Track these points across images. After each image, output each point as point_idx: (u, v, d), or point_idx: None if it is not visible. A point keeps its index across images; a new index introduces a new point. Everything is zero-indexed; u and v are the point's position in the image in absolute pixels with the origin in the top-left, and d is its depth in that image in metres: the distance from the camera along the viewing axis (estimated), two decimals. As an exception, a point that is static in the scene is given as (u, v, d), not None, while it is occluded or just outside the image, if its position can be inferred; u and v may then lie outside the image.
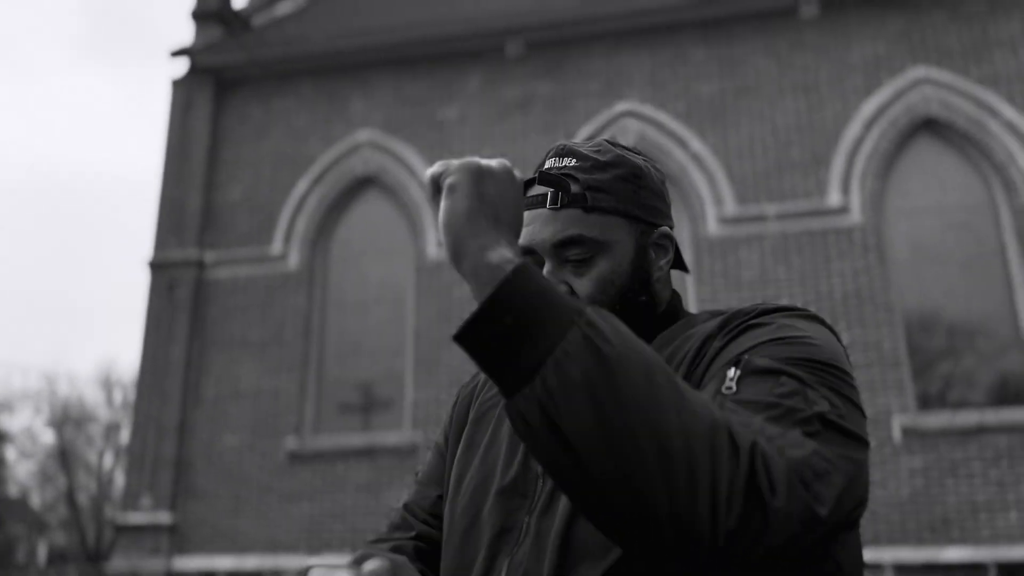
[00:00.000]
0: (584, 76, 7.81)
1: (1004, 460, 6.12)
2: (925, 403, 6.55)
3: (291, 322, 7.69)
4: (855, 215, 6.89)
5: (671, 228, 1.00)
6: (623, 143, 1.03)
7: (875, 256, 6.77)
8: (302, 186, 8.11)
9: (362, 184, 8.15)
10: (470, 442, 1.01)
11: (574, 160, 0.96)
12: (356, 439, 7.29)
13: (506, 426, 0.97)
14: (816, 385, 0.77)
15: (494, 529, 0.89)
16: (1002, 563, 5.87)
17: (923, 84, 7.08)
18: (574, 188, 0.94)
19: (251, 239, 8.06)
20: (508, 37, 7.99)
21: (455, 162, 0.79)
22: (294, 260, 7.90)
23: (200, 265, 7.96)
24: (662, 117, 7.51)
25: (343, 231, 8.17)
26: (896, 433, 6.27)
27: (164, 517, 7.18)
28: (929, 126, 7.10)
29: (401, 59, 8.26)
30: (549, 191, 0.94)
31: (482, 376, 1.09)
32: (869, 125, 7.08)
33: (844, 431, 0.75)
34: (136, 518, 7.24)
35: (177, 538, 7.18)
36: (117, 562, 7.22)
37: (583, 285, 0.93)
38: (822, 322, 0.88)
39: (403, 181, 7.91)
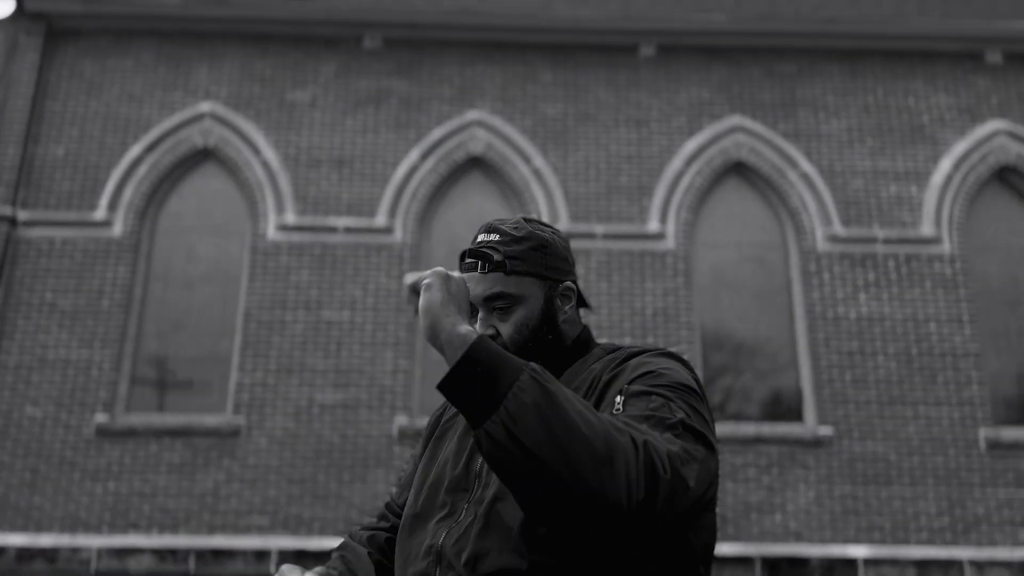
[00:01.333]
0: (439, 80, 8.07)
1: (775, 468, 7.04)
2: (713, 413, 7.39)
3: (110, 292, 7.34)
4: (670, 241, 7.64)
5: (574, 281, 1.38)
6: (537, 220, 1.39)
7: (683, 280, 7.54)
8: (134, 151, 7.75)
9: (200, 157, 7.92)
10: (432, 454, 1.37)
11: (497, 236, 1.33)
12: (172, 419, 7.09)
13: (455, 440, 1.32)
14: (676, 400, 1.14)
15: (442, 511, 1.23)
16: (766, 557, 6.76)
17: (737, 131, 7.97)
18: (496, 257, 1.30)
19: (72, 201, 7.59)
20: (367, 29, 8.08)
21: (428, 272, 1.14)
22: (119, 228, 7.54)
23: (12, 222, 7.39)
24: (509, 131, 7.91)
25: (175, 203, 7.89)
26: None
27: (-55, 491, 6.62)
28: (738, 169, 7.99)
29: (255, 35, 8.12)
30: (478, 261, 1.31)
31: (446, 406, 1.44)
32: (689, 162, 7.87)
33: (696, 433, 1.11)
34: (-90, 491, 6.62)
35: (-42, 514, 6.64)
36: None
37: (505, 328, 1.29)
38: (678, 358, 1.26)
39: (245, 158, 7.79)
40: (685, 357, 1.36)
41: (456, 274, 1.16)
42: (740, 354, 7.67)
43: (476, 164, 7.96)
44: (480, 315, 1.31)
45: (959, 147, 7.88)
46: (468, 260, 1.33)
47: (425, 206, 7.75)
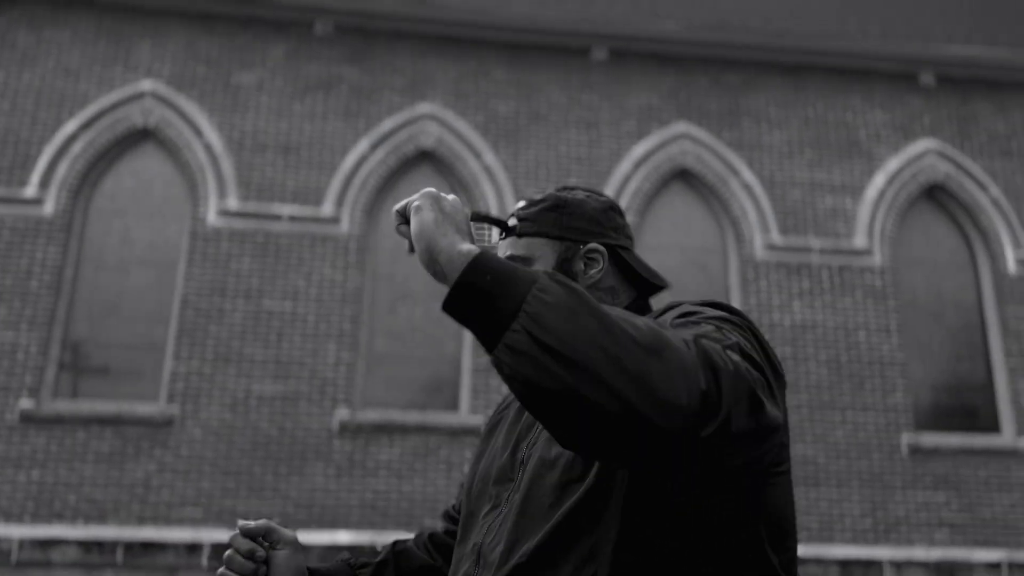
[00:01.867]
0: (391, 70, 7.99)
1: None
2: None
3: (39, 273, 7.04)
4: (617, 243, 7.74)
5: (611, 246, 1.23)
6: (581, 186, 1.35)
7: (629, 282, 7.65)
8: (69, 127, 7.44)
9: (139, 136, 7.66)
10: (483, 448, 1.27)
11: (522, 203, 1.26)
12: (102, 406, 6.84)
13: (505, 429, 1.22)
14: (730, 329, 0.95)
15: (490, 504, 1.13)
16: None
17: (684, 139, 8.13)
18: (510, 223, 1.23)
19: (1, 177, 7.24)
20: (318, 15, 7.94)
21: (415, 194, 1.03)
22: (50, 207, 7.23)
23: (-68, 196, 7.01)
24: (461, 126, 7.89)
25: (111, 183, 7.61)
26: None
27: None
28: (683, 176, 8.16)
29: (201, 13, 7.89)
30: (502, 233, 1.26)
31: (505, 399, 1.32)
32: (637, 166, 7.99)
33: (755, 363, 0.89)
34: None
35: None
36: None
37: None
38: (727, 306, 1.07)
39: (187, 140, 7.56)
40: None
41: (450, 196, 1.00)
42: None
43: (426, 158, 7.91)
44: None
45: (892, 164, 8.21)
46: (495, 232, 1.29)
47: (373, 197, 7.67)
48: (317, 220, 7.49)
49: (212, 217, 7.37)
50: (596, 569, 0.94)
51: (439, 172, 7.95)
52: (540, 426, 1.10)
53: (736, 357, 0.84)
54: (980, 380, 7.87)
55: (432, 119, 7.89)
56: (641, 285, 1.27)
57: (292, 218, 7.47)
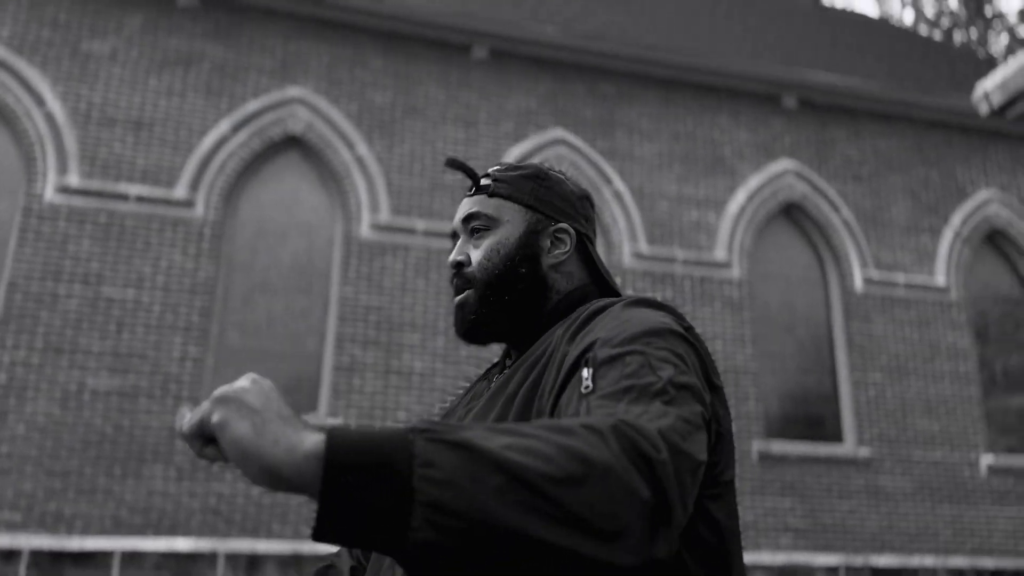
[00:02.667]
0: (260, 50, 7.57)
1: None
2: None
3: None
4: (489, 244, 7.65)
5: (580, 233, 1.17)
6: (557, 168, 1.25)
7: (499, 283, 7.57)
8: None
9: (-33, 100, 6.89)
10: None
11: (499, 167, 1.19)
12: (-95, 397, 6.06)
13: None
14: (656, 351, 0.87)
15: None
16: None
17: (559, 144, 8.16)
18: (484, 182, 1.17)
19: None
20: (183, -13, 7.43)
21: (204, 404, 0.75)
22: None
23: None
24: (333, 113, 7.58)
25: (-70, 149, 6.81)
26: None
27: None
28: (559, 180, 8.18)
29: (48, -28, 7.21)
30: (471, 188, 1.19)
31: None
32: (513, 168, 7.93)
33: (693, 389, 0.84)
34: None
35: None
36: None
37: (476, 252, 1.13)
38: (651, 303, 1.01)
39: (26, 108, 6.87)
40: (665, 303, 1.16)
41: (242, 382, 0.75)
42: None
43: (294, 143, 7.54)
44: (458, 243, 1.17)
45: (754, 181, 8.55)
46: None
47: (233, 182, 7.23)
48: (168, 202, 6.97)
49: (50, 193, 6.71)
50: None
51: (307, 160, 7.60)
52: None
53: (668, 421, 0.77)
54: (826, 391, 8.29)
55: (302, 104, 7.54)
56: (594, 279, 1.21)
57: (140, 199, 6.91)
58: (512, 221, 1.15)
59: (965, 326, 8.62)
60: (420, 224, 7.51)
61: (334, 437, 0.66)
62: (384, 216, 7.45)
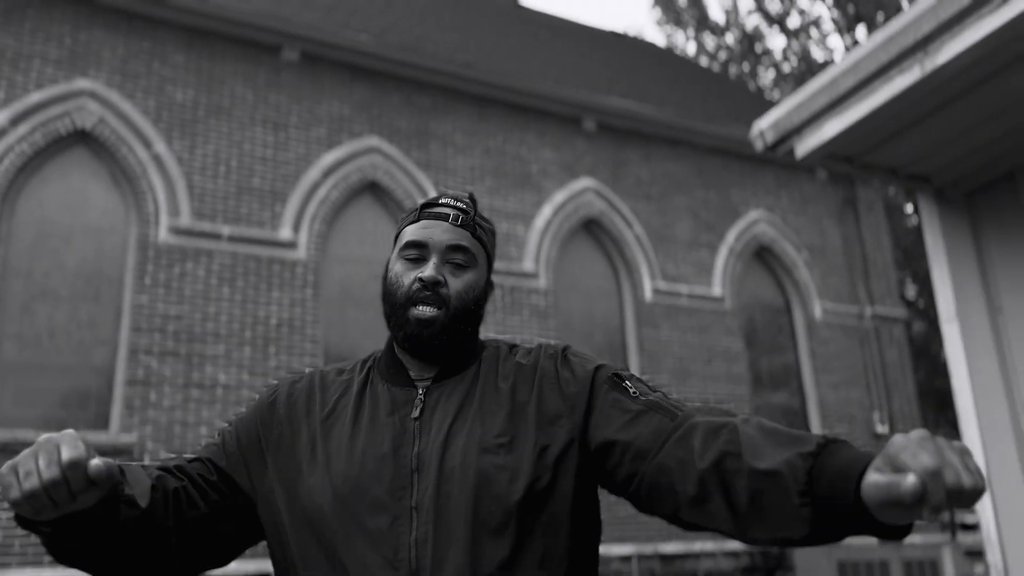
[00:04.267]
0: (45, 37, 6.92)
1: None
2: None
3: None
4: (301, 251, 7.49)
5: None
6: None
7: (311, 291, 7.44)
8: None
9: None
10: (309, 456, 1.17)
11: (473, 203, 1.28)
12: None
13: (353, 433, 1.15)
14: (626, 372, 1.23)
15: (387, 516, 1.08)
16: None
17: (374, 152, 8.15)
18: (472, 214, 1.26)
19: None
20: (-51, -43, 6.64)
21: None
22: None
23: None
24: (127, 108, 7.09)
25: None
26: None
27: None
28: (372, 189, 8.17)
29: None
30: (452, 212, 1.25)
31: (303, 381, 1.29)
32: (326, 174, 7.83)
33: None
34: None
35: None
36: None
37: (457, 283, 1.20)
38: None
39: None
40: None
41: (40, 441, 0.95)
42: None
43: (83, 139, 6.97)
44: (433, 261, 1.21)
45: (559, 197, 9.03)
46: (442, 203, 1.26)
47: (12, 178, 6.56)
48: (-69, 199, 6.19)
49: None
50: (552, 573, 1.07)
51: (98, 157, 7.04)
52: (437, 429, 1.13)
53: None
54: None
55: (93, 97, 6.98)
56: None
57: None
58: (481, 267, 1.27)
59: (737, 332, 9.61)
60: (225, 229, 7.20)
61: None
62: (185, 220, 7.08)
